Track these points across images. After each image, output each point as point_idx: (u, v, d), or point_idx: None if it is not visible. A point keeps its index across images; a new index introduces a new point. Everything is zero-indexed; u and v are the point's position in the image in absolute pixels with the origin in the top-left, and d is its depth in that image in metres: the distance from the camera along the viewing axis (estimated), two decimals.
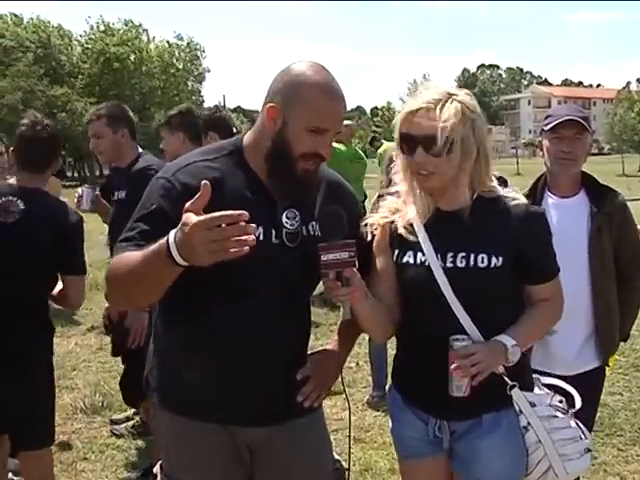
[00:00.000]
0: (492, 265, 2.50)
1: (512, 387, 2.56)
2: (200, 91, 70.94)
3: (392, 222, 2.66)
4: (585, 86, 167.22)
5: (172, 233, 2.01)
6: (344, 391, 2.79)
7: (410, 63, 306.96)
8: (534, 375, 2.77)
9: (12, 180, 4.04)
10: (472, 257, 2.51)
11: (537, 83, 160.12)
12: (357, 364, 7.03)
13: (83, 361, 7.43)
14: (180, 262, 2.02)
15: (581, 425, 2.67)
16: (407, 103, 2.56)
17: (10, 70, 51.56)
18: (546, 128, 3.41)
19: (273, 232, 2.41)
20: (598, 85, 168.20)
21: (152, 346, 2.66)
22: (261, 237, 2.36)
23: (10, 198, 3.66)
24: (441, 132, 2.41)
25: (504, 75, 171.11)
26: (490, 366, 2.47)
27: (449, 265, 2.53)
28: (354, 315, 2.48)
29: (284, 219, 2.43)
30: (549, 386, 2.77)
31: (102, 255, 8.14)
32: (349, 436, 2.89)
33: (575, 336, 3.39)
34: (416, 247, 2.59)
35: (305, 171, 2.40)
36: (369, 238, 2.66)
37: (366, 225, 2.65)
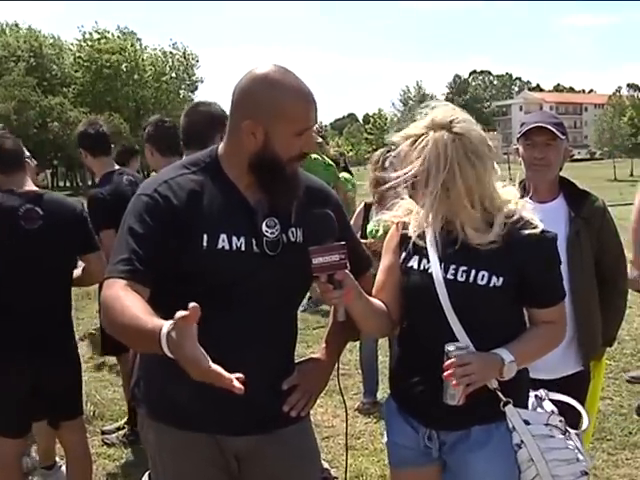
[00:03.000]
0: (491, 284, 2.50)
1: (506, 403, 2.54)
2: (193, 100, 70.96)
3: (405, 223, 2.68)
4: (577, 92, 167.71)
5: (165, 332, 2.00)
6: (342, 398, 2.78)
7: (403, 69, 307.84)
8: (542, 391, 2.74)
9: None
10: (473, 273, 2.51)
11: (529, 89, 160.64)
12: (348, 371, 7.03)
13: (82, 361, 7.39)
14: (170, 356, 2.02)
15: (580, 447, 2.62)
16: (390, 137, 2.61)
17: (3, 79, 51.55)
18: (518, 135, 3.47)
19: (253, 241, 2.41)
20: (590, 91, 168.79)
21: (138, 357, 2.67)
22: (242, 248, 2.38)
23: (28, 206, 3.90)
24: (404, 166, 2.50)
25: (495, 81, 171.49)
26: (483, 378, 2.46)
27: (450, 277, 2.53)
28: (348, 316, 2.47)
29: (264, 228, 2.43)
30: (556, 402, 2.73)
31: None
32: (346, 444, 2.88)
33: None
34: (423, 253, 2.60)
35: (293, 172, 2.43)
36: (380, 234, 2.66)
37: (379, 222, 2.67)
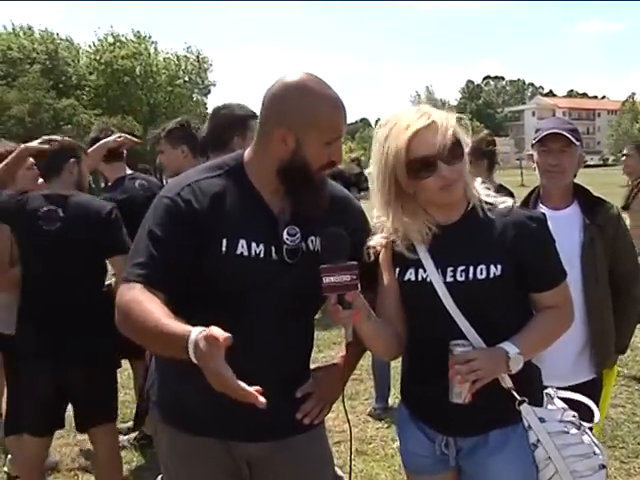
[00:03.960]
0: (491, 275, 2.49)
1: (521, 402, 2.53)
2: (205, 104, 71.03)
3: (393, 241, 2.65)
4: (590, 97, 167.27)
5: (194, 335, 2.01)
6: (344, 406, 2.77)
7: (414, 73, 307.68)
8: (550, 389, 2.72)
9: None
10: (471, 270, 2.51)
11: (541, 94, 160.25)
12: (359, 376, 7.02)
13: None
14: (195, 362, 2.03)
15: (596, 440, 2.62)
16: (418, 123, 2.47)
17: (18, 82, 51.72)
18: (533, 141, 3.46)
19: (273, 249, 2.41)
20: (603, 97, 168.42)
21: (153, 361, 2.67)
22: (261, 255, 2.39)
23: (50, 207, 4.04)
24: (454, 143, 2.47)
25: (508, 87, 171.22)
26: (490, 373, 2.44)
27: (449, 280, 2.53)
28: (357, 336, 2.46)
29: (285, 235, 2.43)
30: (566, 400, 2.72)
31: None
32: (350, 450, 2.86)
33: (569, 348, 3.37)
34: (417, 264, 2.59)
35: (322, 181, 2.44)
36: (372, 259, 2.65)
37: (368, 248, 2.64)
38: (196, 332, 2.01)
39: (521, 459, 2.55)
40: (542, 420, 2.54)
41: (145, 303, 2.22)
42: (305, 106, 2.34)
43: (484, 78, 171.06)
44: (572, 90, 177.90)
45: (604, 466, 2.59)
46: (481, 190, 2.61)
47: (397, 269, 2.64)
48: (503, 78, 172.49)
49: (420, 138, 2.43)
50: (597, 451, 2.58)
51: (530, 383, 2.60)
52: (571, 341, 3.39)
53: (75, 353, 3.98)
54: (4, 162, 4.46)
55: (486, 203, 2.58)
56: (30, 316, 4.08)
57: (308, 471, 2.61)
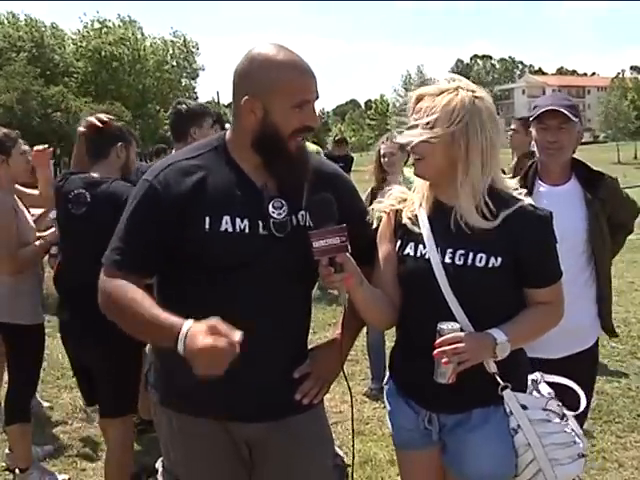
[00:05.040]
0: (490, 265, 2.49)
1: (504, 388, 2.54)
2: (194, 88, 70.86)
3: (398, 211, 2.67)
4: (579, 75, 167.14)
5: (186, 327, 2.12)
6: (347, 384, 2.77)
7: (403, 54, 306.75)
8: (537, 374, 2.74)
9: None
10: (470, 256, 2.51)
11: (531, 72, 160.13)
12: (355, 357, 7.03)
13: None
14: (182, 354, 2.11)
15: (577, 430, 2.64)
16: (416, 90, 2.60)
17: (4, 70, 51.49)
18: (531, 119, 3.45)
19: (260, 223, 2.41)
20: (593, 74, 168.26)
21: (150, 345, 2.68)
22: (246, 230, 2.38)
23: (80, 191, 4.07)
24: (428, 117, 2.47)
25: (497, 65, 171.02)
26: (475, 357, 2.46)
27: (448, 261, 2.53)
28: (351, 303, 2.48)
29: (270, 209, 2.43)
30: (552, 385, 2.74)
31: None
32: (352, 430, 2.87)
33: (584, 314, 3.44)
34: (418, 239, 2.59)
35: (298, 148, 2.43)
36: (374, 225, 2.66)
37: (372, 211, 2.66)
38: (187, 326, 2.10)
39: (500, 440, 2.57)
40: (524, 407, 2.56)
41: (131, 293, 2.30)
42: (267, 73, 2.35)
43: (472, 57, 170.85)
44: (562, 68, 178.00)
45: (583, 455, 2.61)
46: (504, 182, 2.60)
47: (398, 241, 2.65)
48: (491, 57, 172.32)
49: (419, 103, 2.55)
50: (577, 440, 2.60)
51: (515, 369, 2.61)
52: (585, 309, 3.45)
53: (93, 336, 3.95)
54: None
55: (501, 194, 2.56)
56: (65, 297, 4.21)
57: (307, 451, 2.61)
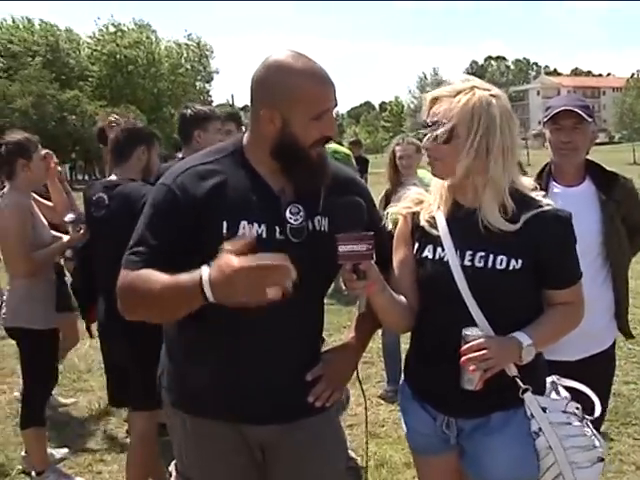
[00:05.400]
0: (511, 268, 2.47)
1: (525, 391, 2.52)
2: (208, 91, 71.01)
3: (415, 213, 2.66)
4: (594, 75, 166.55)
5: (205, 271, 2.03)
6: (361, 388, 2.76)
7: (417, 55, 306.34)
8: (554, 377, 2.71)
9: None
10: (491, 258, 2.48)
11: (546, 73, 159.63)
12: (370, 359, 7.02)
13: (98, 363, 7.43)
14: (211, 300, 2.03)
15: (596, 433, 2.61)
16: (431, 92, 2.59)
17: (19, 75, 51.77)
18: (545, 119, 3.43)
19: (277, 229, 2.40)
20: (608, 74, 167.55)
21: (164, 347, 2.67)
22: (264, 234, 2.37)
23: (100, 195, 4.19)
24: (444, 119, 2.45)
25: (512, 66, 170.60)
26: (502, 362, 2.44)
27: (467, 263, 2.51)
28: (370, 308, 2.46)
29: (287, 214, 2.42)
30: (568, 389, 2.71)
31: None
32: (366, 433, 2.86)
33: (599, 316, 3.39)
34: (436, 242, 2.57)
35: (319, 155, 2.41)
36: (389, 227, 2.65)
37: (387, 215, 2.65)
38: (206, 272, 2.03)
39: (521, 443, 2.53)
40: (545, 410, 2.54)
41: (147, 275, 2.26)
42: (286, 83, 2.32)
43: (486, 58, 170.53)
44: (576, 68, 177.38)
45: (602, 459, 2.58)
46: (522, 181, 2.58)
47: (416, 244, 2.63)
48: (505, 58, 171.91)
49: (435, 104, 2.54)
50: (597, 444, 2.56)
51: (534, 372, 2.58)
52: (602, 311, 3.43)
53: (118, 337, 4.05)
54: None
55: (522, 196, 2.54)
56: (100, 296, 4.26)
57: (321, 453, 2.60)
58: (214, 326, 2.40)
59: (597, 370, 3.17)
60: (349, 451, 2.76)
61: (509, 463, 2.55)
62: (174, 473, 2.58)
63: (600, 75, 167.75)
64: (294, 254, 2.35)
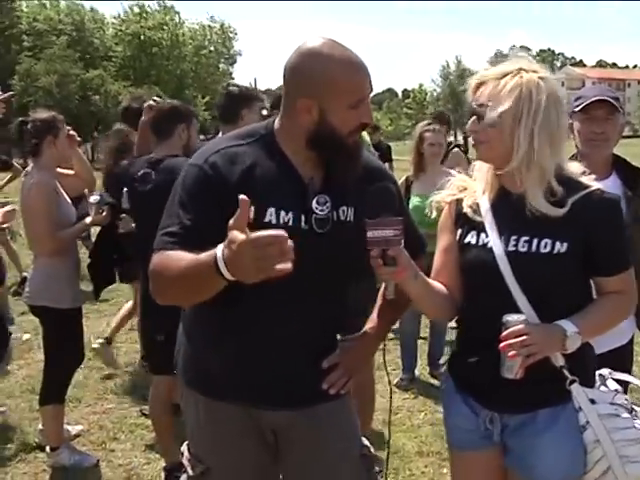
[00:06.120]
0: (555, 251, 2.39)
1: (572, 382, 2.44)
2: (232, 73, 71.00)
3: (458, 200, 2.62)
4: (620, 67, 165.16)
5: (219, 249, 2.00)
6: (388, 380, 2.75)
7: (440, 43, 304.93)
8: (605, 370, 2.63)
9: None
10: (535, 242, 2.41)
11: (571, 64, 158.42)
12: (386, 347, 6.99)
13: (114, 342, 7.47)
14: (228, 277, 2.01)
15: None
16: (480, 73, 2.54)
17: (44, 53, 51.95)
18: (576, 109, 3.35)
19: (302, 217, 2.38)
20: (635, 66, 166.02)
21: (181, 327, 2.67)
22: (290, 223, 2.35)
23: (146, 170, 4.36)
24: (491, 102, 2.41)
25: (537, 57, 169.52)
26: (544, 350, 2.35)
27: (511, 249, 2.44)
28: (399, 295, 2.40)
29: (314, 204, 2.40)
30: (619, 382, 2.62)
31: None
32: (389, 422, 2.84)
33: None
34: (480, 228, 2.53)
35: (355, 143, 2.39)
36: (433, 215, 2.63)
37: (431, 202, 2.63)
38: (220, 249, 2.00)
39: (570, 440, 2.46)
40: (593, 402, 2.46)
41: (176, 256, 2.23)
42: (322, 73, 2.29)
43: (510, 48, 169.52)
44: (601, 60, 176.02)
45: None
46: (571, 166, 2.52)
47: (459, 230, 2.59)
48: (529, 49, 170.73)
49: (481, 86, 2.51)
50: None
51: (583, 363, 2.49)
52: None
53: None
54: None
55: (570, 180, 2.47)
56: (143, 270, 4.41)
57: (334, 438, 2.59)
58: (233, 310, 2.40)
59: (615, 365, 3.12)
60: (363, 439, 2.73)
61: (558, 461, 2.47)
62: (186, 453, 2.59)
63: (626, 67, 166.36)
64: (316, 244, 2.34)
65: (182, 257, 2.19)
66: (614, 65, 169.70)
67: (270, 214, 2.35)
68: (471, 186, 2.62)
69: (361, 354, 2.65)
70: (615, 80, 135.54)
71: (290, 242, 1.90)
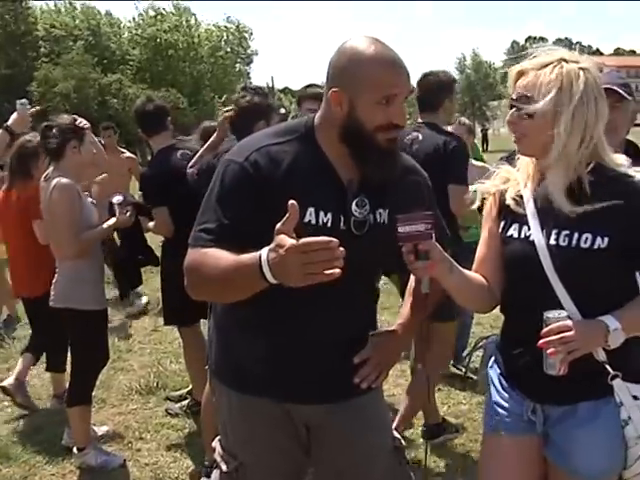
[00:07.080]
0: (596, 246, 2.34)
1: (614, 377, 2.40)
2: (248, 73, 70.98)
3: (502, 192, 2.59)
4: (638, 55, 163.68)
5: (264, 252, 2.02)
6: (427, 377, 2.74)
7: (458, 36, 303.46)
8: None
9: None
10: (575, 236, 2.37)
11: (588, 53, 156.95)
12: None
13: (138, 343, 7.53)
14: (271, 280, 2.03)
15: None
16: (521, 63, 2.51)
17: (62, 59, 52.16)
18: None
19: (341, 218, 2.39)
20: None
21: (212, 321, 2.69)
22: (329, 224, 2.37)
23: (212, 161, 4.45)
24: (530, 93, 2.38)
25: (555, 46, 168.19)
26: (585, 346, 2.31)
27: (552, 242, 2.40)
28: (434, 289, 2.38)
29: (354, 207, 2.41)
30: None
31: None
32: (425, 418, 2.83)
33: None
34: (522, 220, 2.50)
35: (388, 141, 2.37)
36: (477, 205, 2.63)
37: (476, 192, 2.63)
38: (265, 252, 2.01)
39: (610, 434, 2.43)
40: (635, 398, 2.42)
41: (213, 254, 2.24)
42: (354, 66, 2.32)
43: (527, 39, 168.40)
44: (619, 48, 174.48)
45: None
46: (612, 158, 2.46)
47: (502, 222, 2.58)
48: (546, 39, 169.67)
49: (522, 77, 2.48)
50: None
51: (626, 358, 2.41)
52: None
53: None
54: (211, 140, 4.87)
55: (608, 170, 2.42)
56: None
57: (366, 433, 2.61)
58: (267, 308, 2.40)
59: None
60: (394, 432, 2.75)
61: (597, 453, 2.44)
62: (218, 449, 2.61)
63: None
64: (353, 246, 2.32)
65: (220, 256, 2.21)
66: (633, 52, 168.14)
67: (310, 214, 2.36)
68: (514, 177, 2.59)
69: (391, 349, 2.66)
70: (634, 67, 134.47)
71: (342, 248, 1.93)
